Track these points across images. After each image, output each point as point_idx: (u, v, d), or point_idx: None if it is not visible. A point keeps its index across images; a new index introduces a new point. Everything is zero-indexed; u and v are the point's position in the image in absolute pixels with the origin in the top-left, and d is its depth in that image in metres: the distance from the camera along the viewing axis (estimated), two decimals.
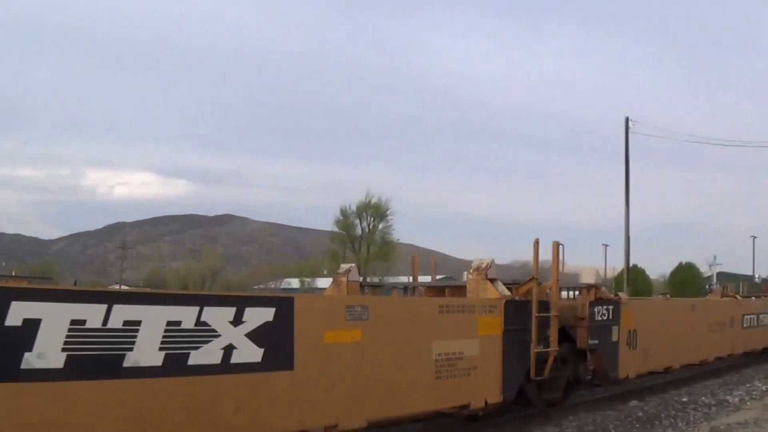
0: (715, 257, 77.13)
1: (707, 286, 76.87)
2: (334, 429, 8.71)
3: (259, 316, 7.96)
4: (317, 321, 8.59)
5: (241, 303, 7.92)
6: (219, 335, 7.62)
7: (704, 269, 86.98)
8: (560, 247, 12.15)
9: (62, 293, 6.90)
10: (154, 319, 7.17)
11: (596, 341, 13.33)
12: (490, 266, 11.65)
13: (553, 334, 12.14)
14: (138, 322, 7.03)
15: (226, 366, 7.67)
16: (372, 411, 9.25)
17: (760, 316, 20.98)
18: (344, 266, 11.95)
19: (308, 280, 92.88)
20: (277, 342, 8.15)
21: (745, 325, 20.08)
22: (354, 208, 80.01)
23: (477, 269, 11.73)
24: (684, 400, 15.52)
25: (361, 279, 12.51)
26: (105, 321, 6.72)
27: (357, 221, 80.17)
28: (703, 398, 15.65)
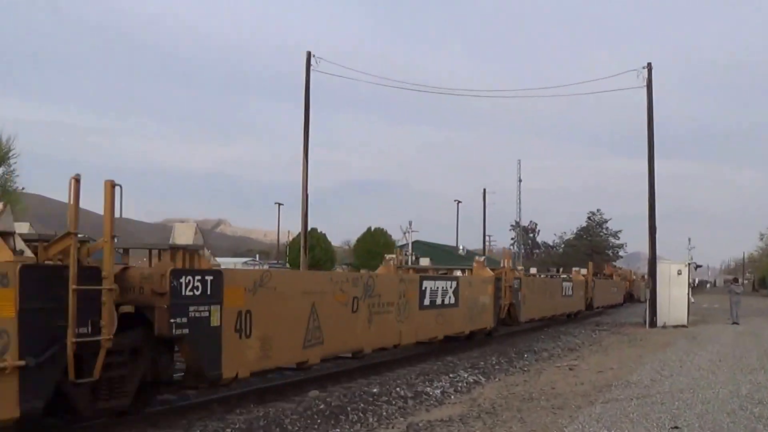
0: (410, 223, 79.65)
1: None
2: None
3: None
4: None
5: None
6: None
7: (398, 236, 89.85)
8: (117, 189, 10.24)
9: None
10: None
11: (186, 328, 11.21)
12: (1, 212, 9.35)
13: (107, 315, 10.06)
14: None
15: None
16: None
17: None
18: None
19: None
20: None
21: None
22: None
23: None
24: (375, 391, 14.61)
25: None
26: None
27: None
28: (398, 390, 14.79)
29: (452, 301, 22.12)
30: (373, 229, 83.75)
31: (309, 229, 41.27)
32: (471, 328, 24.10)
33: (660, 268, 35.65)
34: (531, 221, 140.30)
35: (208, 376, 11.77)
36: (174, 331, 10.95)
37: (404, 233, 71.76)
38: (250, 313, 12.56)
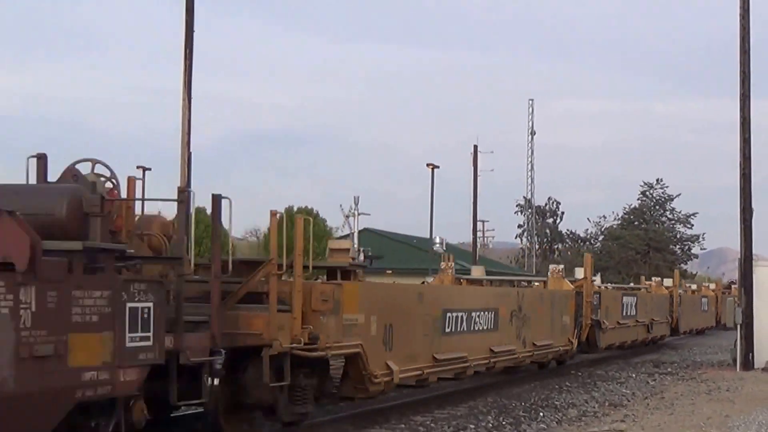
0: (356, 200, 49.16)
1: None
2: None
3: None
4: None
5: None
6: None
7: (335, 222, 61.44)
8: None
9: None
10: None
11: None
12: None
13: None
14: None
15: None
16: None
17: None
18: None
19: None
20: None
21: None
22: None
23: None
24: None
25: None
26: None
27: None
28: None
29: None
30: (295, 209, 56.44)
31: (194, 208, 29.06)
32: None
33: (759, 274, 25.10)
34: (550, 199, 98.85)
35: None
36: None
37: (346, 217, 48.08)
38: None
